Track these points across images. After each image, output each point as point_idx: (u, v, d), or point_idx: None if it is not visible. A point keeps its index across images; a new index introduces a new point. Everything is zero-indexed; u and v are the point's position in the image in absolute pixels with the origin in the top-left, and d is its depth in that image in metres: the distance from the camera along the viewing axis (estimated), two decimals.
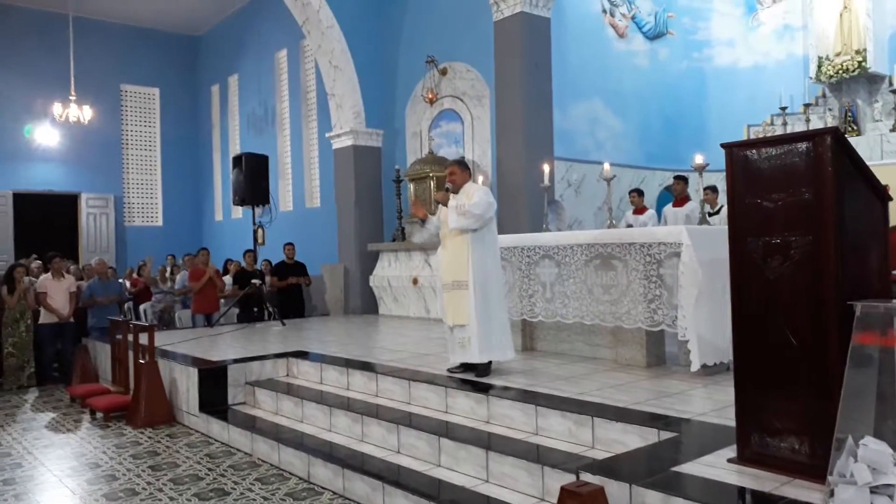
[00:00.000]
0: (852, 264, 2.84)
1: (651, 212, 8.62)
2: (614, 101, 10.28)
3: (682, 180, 8.35)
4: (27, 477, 4.91)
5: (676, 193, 8.40)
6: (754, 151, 3.08)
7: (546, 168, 6.55)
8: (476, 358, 5.06)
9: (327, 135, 11.64)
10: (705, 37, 11.66)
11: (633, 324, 5.18)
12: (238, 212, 14.04)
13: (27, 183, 14.19)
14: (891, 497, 2.15)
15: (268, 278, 10.41)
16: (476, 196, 5.10)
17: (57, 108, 12.95)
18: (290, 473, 4.74)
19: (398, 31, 11.10)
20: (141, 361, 6.42)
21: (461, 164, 5.42)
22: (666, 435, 3.60)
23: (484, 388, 4.74)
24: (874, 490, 2.18)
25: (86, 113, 13.06)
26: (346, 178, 11.26)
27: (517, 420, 4.35)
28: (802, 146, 2.92)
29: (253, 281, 9.53)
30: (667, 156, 10.49)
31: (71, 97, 12.92)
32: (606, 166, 6.09)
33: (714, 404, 4.05)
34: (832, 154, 2.82)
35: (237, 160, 9.98)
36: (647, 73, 10.89)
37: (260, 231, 9.95)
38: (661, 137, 10.68)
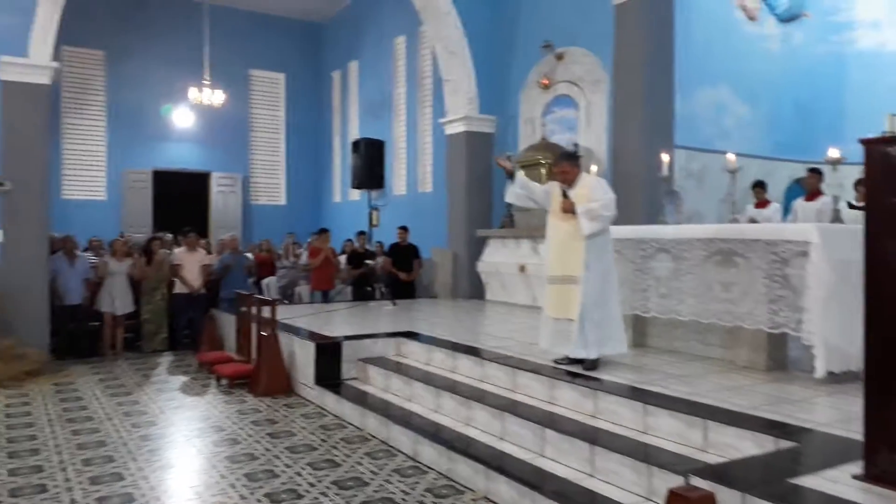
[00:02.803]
0: None
1: (775, 205, 8.14)
2: (742, 87, 9.74)
3: (815, 173, 7.82)
4: (160, 434, 5.37)
5: (809, 187, 7.89)
6: None
7: (665, 157, 6.34)
8: (580, 353, 5.00)
9: (441, 120, 11.78)
10: (847, 18, 10.79)
11: (753, 324, 4.94)
12: (355, 194, 14.52)
13: (165, 161, 15.30)
14: None
15: (380, 259, 10.73)
16: (598, 193, 4.97)
17: (192, 92, 13.85)
18: (398, 450, 4.91)
19: (515, 17, 11.02)
20: (263, 334, 6.82)
21: (570, 158, 5.28)
22: (784, 444, 3.43)
23: (591, 382, 4.69)
24: None
25: (218, 97, 13.89)
26: (457, 164, 11.37)
27: (625, 416, 4.29)
28: None
29: (367, 262, 9.85)
30: (798, 146, 9.84)
31: (205, 82, 13.78)
32: (731, 157, 5.83)
33: (839, 415, 3.82)
34: None
35: (356, 145, 10.35)
36: (779, 58, 10.23)
37: (374, 213, 10.28)
38: (792, 126, 10.03)
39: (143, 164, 15.00)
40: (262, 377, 6.59)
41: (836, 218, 5.72)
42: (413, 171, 13.53)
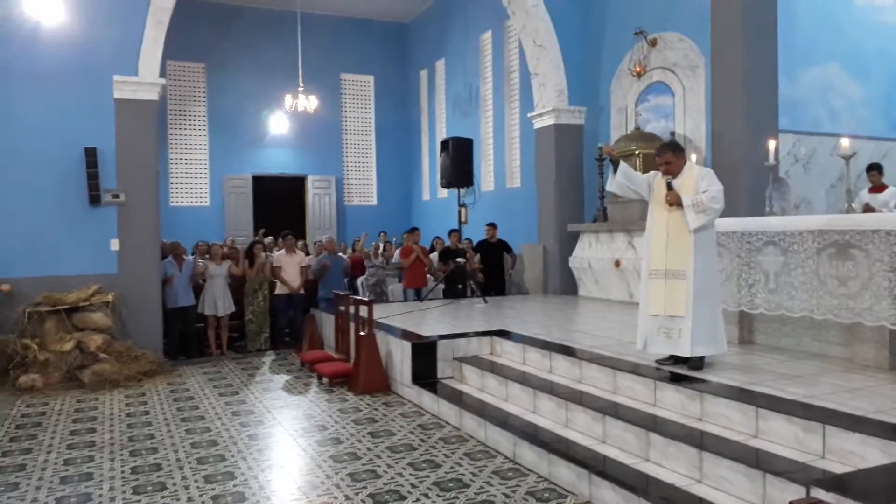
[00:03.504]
0: None
1: (893, 189, 7.58)
2: (853, 64, 9.13)
3: None
4: (267, 434, 5.58)
5: None
6: None
7: (772, 144, 6.01)
8: (687, 352, 4.80)
9: (529, 114, 11.65)
10: None
11: (875, 321, 4.60)
12: (443, 192, 14.62)
13: (263, 167, 15.92)
14: None
15: (469, 255, 10.74)
16: (706, 183, 4.76)
17: (288, 99, 14.32)
18: (497, 451, 4.89)
19: (604, 5, 10.75)
20: (361, 333, 6.97)
21: (674, 147, 5.05)
22: None
23: (697, 384, 4.51)
24: None
25: (312, 102, 14.30)
26: (546, 158, 11.22)
27: (734, 420, 4.09)
28: None
29: (457, 259, 9.89)
30: None
31: (299, 88, 14.21)
32: (845, 142, 5.45)
33: None
34: None
35: (444, 144, 10.37)
36: (893, 31, 9.50)
37: (463, 211, 10.30)
38: None
39: (243, 169, 15.66)
40: (360, 376, 6.73)
41: None
42: (501, 166, 13.46)
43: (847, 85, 9.19)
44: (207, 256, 9.52)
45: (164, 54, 8.98)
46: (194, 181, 15.54)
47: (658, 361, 5.07)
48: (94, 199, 8.21)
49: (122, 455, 5.06)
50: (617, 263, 9.42)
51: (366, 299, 7.51)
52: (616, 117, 10.60)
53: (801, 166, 8.58)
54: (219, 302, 9.26)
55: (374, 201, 17.17)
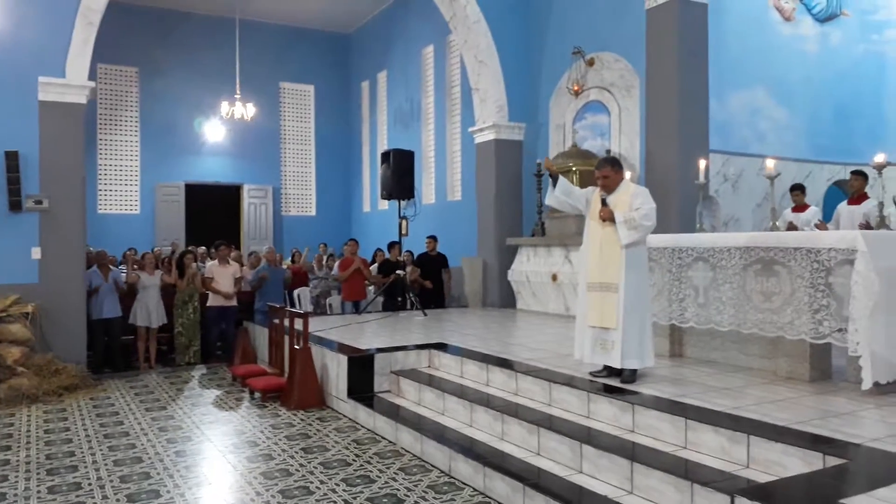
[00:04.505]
0: None
1: (814, 209, 7.92)
2: (779, 89, 9.53)
3: (860, 176, 7.58)
4: (195, 450, 5.38)
5: (854, 190, 7.65)
6: None
7: (702, 164, 6.21)
8: (617, 363, 4.89)
9: (470, 129, 11.74)
10: (886, 16, 10.52)
11: (796, 335, 4.79)
12: (384, 204, 14.56)
13: (197, 175, 15.52)
14: None
15: (409, 268, 10.71)
16: (639, 201, 4.88)
17: (224, 106, 14.03)
18: (433, 466, 4.85)
19: (544, 24, 10.96)
20: (296, 347, 6.83)
21: (613, 163, 5.16)
22: (833, 461, 3.30)
23: (629, 396, 4.58)
24: None
25: (249, 110, 14.04)
26: (487, 172, 11.32)
27: (665, 432, 4.17)
28: None
29: (397, 272, 9.84)
30: (837, 149, 9.62)
31: (236, 95, 13.94)
32: (769, 163, 5.68)
33: (890, 429, 3.67)
34: None
35: (385, 156, 10.34)
36: (816, 59, 9.99)
37: (404, 223, 10.28)
38: (831, 129, 9.78)
39: (176, 177, 15.24)
40: (294, 390, 6.59)
41: (882, 223, 5.52)
42: (442, 180, 13.51)
43: (773, 109, 9.59)
44: (136, 266, 9.19)
45: (95, 57, 8.66)
46: (124, 188, 15.02)
47: (592, 374, 5.14)
48: (15, 206, 7.81)
49: (38, 474, 4.79)
50: (554, 277, 9.55)
51: (301, 311, 7.37)
52: (554, 134, 10.79)
53: (729, 185, 8.88)
54: (152, 313, 8.94)
55: (312, 212, 16.95)
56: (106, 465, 4.98)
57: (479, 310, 10.82)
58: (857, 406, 4.21)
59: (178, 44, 15.22)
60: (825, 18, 10.19)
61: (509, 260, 10.66)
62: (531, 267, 10.13)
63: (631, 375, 4.93)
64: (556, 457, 4.41)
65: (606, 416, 4.60)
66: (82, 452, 5.30)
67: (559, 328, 8.04)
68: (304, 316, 6.94)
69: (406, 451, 5.21)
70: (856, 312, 4.39)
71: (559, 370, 5.43)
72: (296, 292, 10.78)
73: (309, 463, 4.94)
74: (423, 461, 4.96)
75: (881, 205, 6.29)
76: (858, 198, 7.56)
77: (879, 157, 4.82)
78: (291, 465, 4.89)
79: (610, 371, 5.06)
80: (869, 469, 3.20)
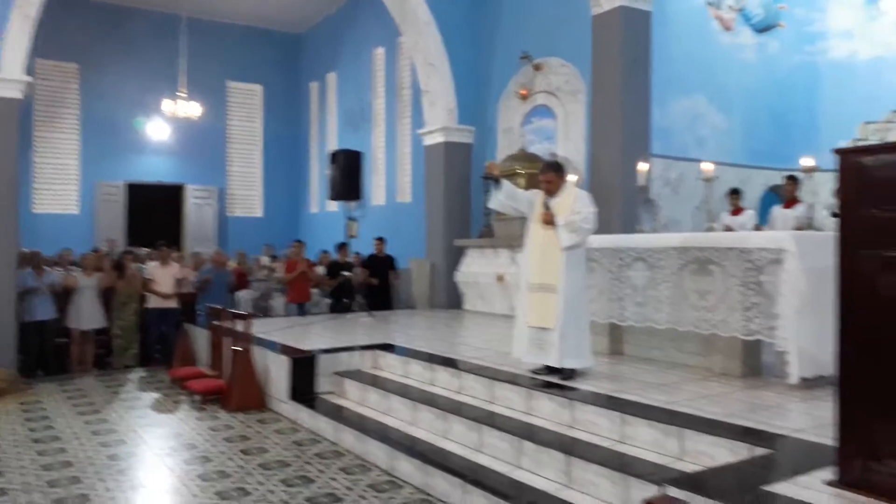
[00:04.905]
0: None
1: (750, 212, 8.19)
2: (718, 96, 9.83)
3: (792, 181, 7.88)
4: (129, 454, 5.23)
5: (787, 194, 7.94)
6: (870, 158, 2.86)
7: (641, 167, 6.35)
8: (555, 362, 4.95)
9: (419, 131, 11.75)
10: (820, 28, 10.95)
11: (728, 332, 4.94)
12: (333, 205, 14.42)
13: (139, 174, 15.10)
14: None
15: (357, 270, 10.63)
16: (580, 205, 4.95)
17: (167, 104, 13.71)
18: (373, 465, 4.83)
19: (494, 28, 11.06)
20: (236, 348, 6.71)
21: (557, 168, 5.22)
22: (759, 451, 3.41)
23: (568, 392, 4.64)
24: None
25: (193, 108, 13.76)
26: (436, 175, 11.34)
27: (602, 426, 4.24)
28: None
29: (343, 273, 9.76)
30: (773, 154, 9.94)
31: (181, 94, 13.65)
32: (706, 166, 5.84)
33: (812, 420, 3.80)
34: None
35: (333, 156, 10.28)
36: (754, 68, 10.34)
37: (352, 224, 10.22)
38: (767, 135, 10.13)
39: (117, 176, 14.80)
40: (234, 393, 6.46)
41: (811, 225, 5.75)
42: (392, 181, 13.47)
43: (713, 115, 9.88)
44: (72, 267, 8.89)
45: (33, 51, 8.36)
46: (62, 187, 14.51)
47: (533, 372, 5.19)
48: None
49: None
50: (500, 278, 9.62)
51: (242, 313, 7.25)
52: (503, 138, 10.88)
53: (670, 189, 9.10)
54: (86, 316, 8.65)
55: (259, 213, 16.68)
56: (34, 469, 4.80)
57: (427, 311, 10.82)
58: (783, 399, 4.36)
59: (122, 40, 14.80)
60: (763, 29, 10.55)
61: (457, 262, 10.69)
62: (478, 268, 10.18)
63: (570, 373, 5.00)
64: (497, 453, 4.43)
65: (547, 412, 4.65)
66: (7, 457, 5.09)
67: (503, 328, 8.06)
68: (246, 317, 6.82)
69: (347, 451, 5.17)
70: (784, 310, 4.55)
71: (502, 368, 5.46)
72: (237, 295, 10.60)
73: (247, 464, 4.85)
74: (365, 461, 4.93)
75: (811, 207, 6.55)
76: (791, 202, 7.85)
77: (807, 162, 5.00)
78: (229, 467, 4.79)
79: (550, 369, 5.11)
80: (792, 458, 3.32)
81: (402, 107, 13.30)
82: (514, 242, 9.40)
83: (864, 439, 2.78)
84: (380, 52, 14.03)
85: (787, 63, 10.66)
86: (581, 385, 4.81)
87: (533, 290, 5.10)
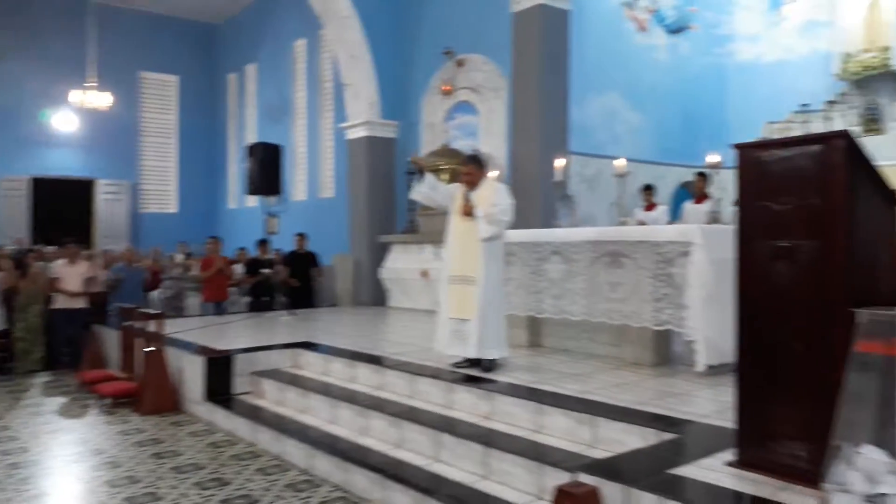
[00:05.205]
0: (860, 271, 2.76)
1: (663, 208, 8.49)
2: (633, 95, 10.14)
3: (702, 177, 8.21)
4: (33, 461, 4.96)
5: (697, 190, 8.27)
6: (766, 153, 3.01)
7: (559, 163, 6.48)
8: (474, 353, 5.02)
9: (341, 125, 11.63)
10: (728, 31, 11.46)
11: (639, 322, 5.11)
12: (252, 200, 14.08)
13: (44, 168, 14.33)
14: None
15: (278, 267, 10.42)
16: (498, 197, 5.05)
17: (75, 94, 13.05)
18: (292, 464, 4.75)
19: (417, 22, 11.04)
20: (148, 349, 6.46)
21: (476, 161, 5.33)
22: (667, 436, 3.54)
23: (487, 384, 4.70)
24: (869, 499, 2.12)
25: (104, 99, 13.15)
26: (359, 169, 11.25)
27: (519, 417, 4.31)
28: (813, 149, 2.85)
29: (262, 270, 9.55)
30: (685, 152, 10.35)
31: (90, 84, 13.01)
32: (618, 163, 6.02)
33: (717, 406, 3.98)
34: (843, 158, 2.74)
35: (251, 149, 10.02)
36: (667, 68, 10.73)
37: (272, 220, 10.00)
38: (679, 133, 10.53)
39: (20, 170, 14.01)
40: (147, 395, 6.22)
41: (719, 219, 6.01)
42: (314, 176, 13.27)
43: (628, 113, 10.19)
44: None
45: None
46: None
47: (454, 364, 5.23)
48: None
49: None
50: (424, 274, 9.63)
51: (155, 312, 6.99)
52: (427, 133, 10.89)
53: (587, 185, 9.34)
54: None
55: (174, 209, 16.10)
56: None
57: (350, 308, 10.72)
58: (691, 386, 4.54)
59: (24, 27, 13.99)
60: (675, 30, 10.95)
61: (381, 258, 10.65)
62: (402, 264, 10.16)
63: (491, 364, 5.06)
64: (417, 448, 4.44)
65: (466, 405, 4.69)
66: None
67: (427, 323, 8.07)
68: (158, 316, 6.58)
69: (265, 451, 5.06)
70: (691, 300, 4.75)
71: (424, 363, 5.47)
72: (153, 294, 10.22)
73: (159, 468, 4.68)
74: (283, 461, 4.84)
75: (719, 202, 6.85)
76: (702, 197, 8.18)
77: (712, 158, 5.23)
78: (139, 472, 4.61)
79: (471, 362, 5.16)
80: (697, 441, 3.46)
81: (324, 100, 13.12)
82: (438, 238, 9.35)
83: (760, 422, 2.93)
84: (301, 44, 13.79)
85: (698, 64, 11.11)
86: (500, 377, 4.87)
87: (453, 282, 5.18)
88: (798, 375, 2.80)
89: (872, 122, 9.30)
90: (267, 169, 9.73)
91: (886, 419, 2.60)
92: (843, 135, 2.79)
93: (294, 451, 4.82)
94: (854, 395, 2.41)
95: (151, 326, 6.57)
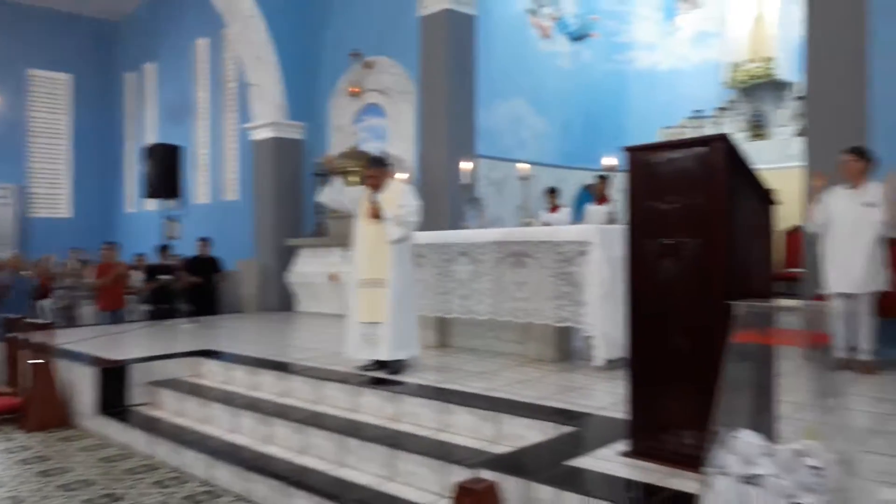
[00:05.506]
0: (739, 266, 2.92)
1: (566, 210, 8.76)
2: (537, 100, 10.40)
3: (603, 180, 8.51)
4: None
5: (598, 192, 8.56)
6: (653, 155, 3.14)
7: (465, 166, 6.56)
8: (386, 355, 5.01)
9: (246, 126, 11.33)
10: (627, 40, 11.93)
11: (542, 320, 5.24)
12: (151, 204, 13.46)
13: None
14: (761, 486, 2.21)
15: (183, 275, 10.04)
16: (405, 199, 5.07)
17: None
18: (191, 476, 4.57)
19: (323, 24, 10.90)
20: (35, 361, 6.06)
21: (380, 163, 5.32)
22: (566, 429, 3.64)
23: (392, 386, 4.69)
24: (746, 480, 2.24)
25: None
26: (265, 171, 10.99)
27: (425, 417, 4.32)
28: (697, 152, 2.99)
29: (159, 277, 9.17)
30: (587, 155, 10.68)
31: None
32: (521, 166, 6.15)
33: (614, 398, 4.12)
34: (723, 160, 2.89)
35: (149, 151, 9.61)
36: (570, 74, 11.06)
37: (173, 224, 9.62)
38: (582, 137, 10.87)
39: None
40: (33, 411, 5.83)
41: (616, 220, 6.24)
42: (217, 178, 12.83)
43: (533, 118, 10.44)
44: None
45: None
46: None
47: (362, 368, 5.18)
48: None
49: None
50: (333, 277, 9.51)
51: (43, 322, 6.58)
52: (335, 135, 10.76)
53: (495, 188, 9.49)
54: None
55: (66, 213, 15.19)
56: None
57: (256, 314, 10.45)
58: (590, 381, 4.69)
59: None
60: (578, 37, 11.31)
61: (288, 262, 10.43)
62: (311, 268, 10.00)
63: (398, 366, 5.06)
64: (322, 453, 4.36)
65: (372, 408, 4.66)
66: None
67: (336, 327, 7.97)
68: (46, 326, 6.20)
69: (163, 464, 4.85)
70: (589, 297, 4.91)
71: (330, 367, 5.40)
72: (41, 303, 9.63)
73: (45, 487, 4.40)
74: (181, 472, 4.65)
75: (618, 203, 7.12)
76: (602, 199, 8.48)
77: (608, 161, 5.42)
78: (23, 491, 4.32)
79: (379, 364, 5.14)
80: (594, 433, 3.57)
81: (228, 100, 12.73)
82: (346, 241, 9.21)
83: (651, 412, 3.05)
84: (204, 42, 13.33)
85: (599, 70, 11.52)
86: (407, 379, 4.87)
87: (363, 286, 5.14)
88: (684, 367, 2.94)
89: (758, 127, 9.92)
90: (166, 171, 9.35)
91: (762, 405, 2.77)
92: (723, 138, 2.95)
93: (193, 463, 4.64)
94: (733, 384, 2.55)
95: (39, 337, 6.17)
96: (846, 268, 4.80)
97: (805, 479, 2.22)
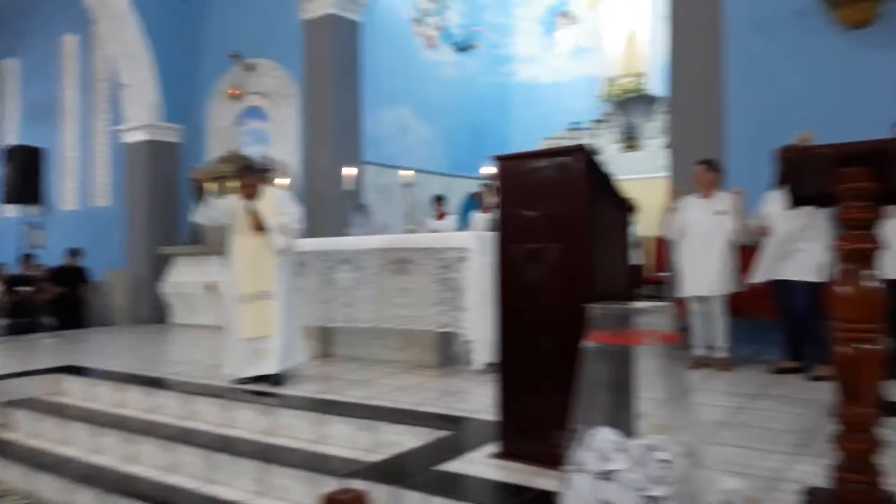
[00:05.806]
0: (599, 270, 3.05)
1: (452, 217, 8.88)
2: (423, 108, 10.48)
3: (489, 188, 8.67)
4: None
5: (483, 200, 8.72)
6: (521, 164, 3.23)
7: (350, 172, 6.50)
8: (276, 368, 4.86)
9: (117, 127, 10.71)
10: (509, 52, 12.28)
11: (423, 326, 5.27)
12: (10, 210, 12.43)
13: None
14: (615, 481, 2.31)
15: (47, 285, 9.34)
16: (285, 206, 4.94)
17: None
18: (46, 502, 4.24)
19: (201, 24, 10.50)
20: None
21: (251, 171, 5.13)
22: (441, 434, 3.66)
23: (267, 399, 4.55)
24: (602, 476, 2.33)
25: None
26: (138, 176, 10.42)
27: (301, 429, 4.21)
28: (559, 161, 3.10)
29: (19, 288, 8.50)
30: (472, 164, 10.80)
31: None
32: (404, 173, 6.17)
33: (490, 401, 4.15)
34: (583, 169, 3.01)
35: (8, 153, 8.89)
36: (454, 84, 11.23)
37: (35, 232, 8.95)
38: (467, 146, 11.05)
39: None
40: None
41: (493, 226, 6.37)
42: (85, 182, 12.03)
43: (419, 126, 10.52)
44: None
45: None
46: None
47: (241, 380, 4.98)
48: None
49: None
50: (210, 287, 9.14)
51: None
52: (215, 138, 10.38)
53: (382, 195, 9.47)
54: None
55: None
56: None
57: (127, 327, 9.87)
58: (468, 385, 4.75)
59: None
60: (462, 48, 11.52)
61: (163, 271, 9.92)
62: (187, 278, 9.55)
63: (280, 378, 4.91)
64: (190, 471, 4.16)
65: (246, 422, 4.49)
66: None
67: (213, 339, 7.69)
68: None
69: (13, 490, 4.47)
70: (468, 303, 4.98)
71: (203, 381, 5.17)
72: None
73: None
74: (35, 499, 4.32)
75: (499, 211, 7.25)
76: (487, 207, 8.64)
77: (486, 170, 5.54)
78: None
79: (259, 377, 4.96)
80: (468, 437, 3.60)
81: (99, 101, 11.99)
82: (224, 249, 8.98)
83: (519, 414, 3.12)
84: (71, 39, 12.49)
85: (483, 81, 11.78)
86: (287, 390, 4.74)
87: (246, 300, 4.91)
88: (549, 368, 3.02)
89: (631, 139, 10.48)
90: (27, 175, 8.67)
91: (619, 402, 2.90)
92: (583, 149, 3.07)
93: (49, 488, 4.31)
94: (592, 383, 2.65)
95: None
96: (700, 271, 5.14)
97: (654, 472, 2.34)
